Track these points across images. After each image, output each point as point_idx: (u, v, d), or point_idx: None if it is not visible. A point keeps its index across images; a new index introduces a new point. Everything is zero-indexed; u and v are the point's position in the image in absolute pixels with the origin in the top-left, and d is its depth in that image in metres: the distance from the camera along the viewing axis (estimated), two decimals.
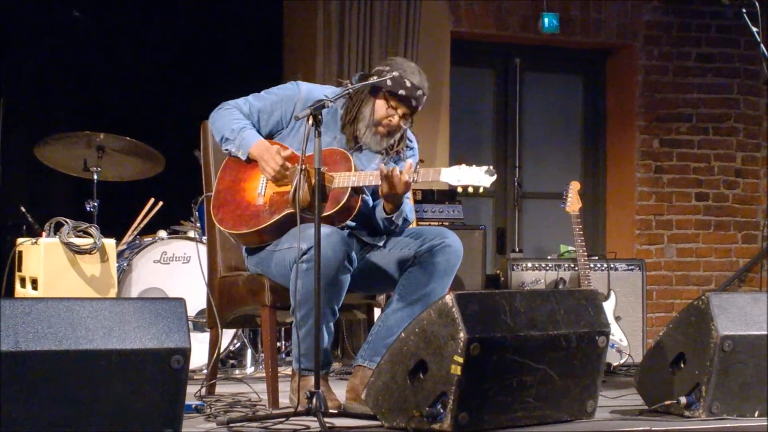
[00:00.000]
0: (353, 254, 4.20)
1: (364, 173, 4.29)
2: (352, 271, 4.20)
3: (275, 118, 4.51)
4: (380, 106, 4.39)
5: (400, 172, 4.17)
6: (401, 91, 4.33)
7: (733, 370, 3.99)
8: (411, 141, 4.61)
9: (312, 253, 3.92)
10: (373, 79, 4.32)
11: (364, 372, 4.24)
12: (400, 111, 4.38)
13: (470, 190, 4.15)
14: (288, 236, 4.31)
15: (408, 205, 4.45)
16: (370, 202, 4.49)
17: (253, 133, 4.46)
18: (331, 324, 4.26)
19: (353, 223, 4.42)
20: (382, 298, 4.74)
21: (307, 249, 4.06)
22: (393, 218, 4.36)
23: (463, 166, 4.17)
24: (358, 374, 4.30)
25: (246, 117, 4.48)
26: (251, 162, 4.44)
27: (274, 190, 4.40)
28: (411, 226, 4.52)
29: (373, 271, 4.38)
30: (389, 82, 4.32)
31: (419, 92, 4.36)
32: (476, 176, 4.14)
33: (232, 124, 4.46)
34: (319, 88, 4.55)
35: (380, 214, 4.39)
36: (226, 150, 4.49)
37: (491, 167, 4.16)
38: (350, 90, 4.27)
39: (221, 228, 4.44)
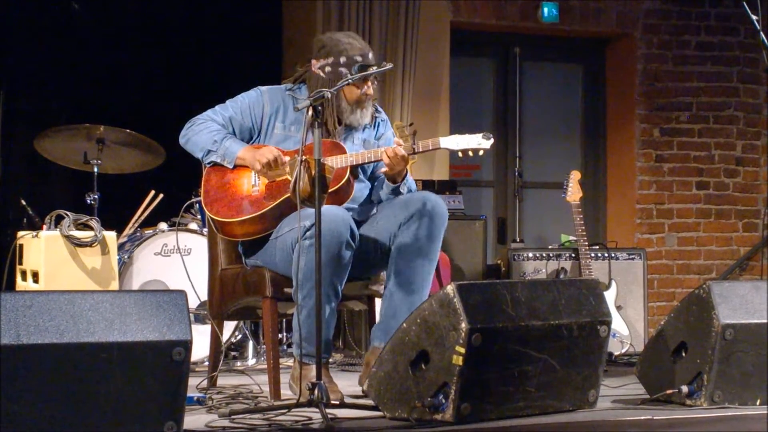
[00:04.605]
0: (356, 231, 4.24)
1: (360, 152, 4.42)
2: (354, 249, 4.23)
3: (247, 126, 4.56)
4: (351, 91, 4.49)
5: (395, 147, 4.32)
6: (360, 68, 4.43)
7: (734, 358, 3.99)
8: (379, 111, 4.73)
9: (315, 229, 3.92)
10: (326, 72, 4.42)
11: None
12: (367, 83, 4.50)
13: (470, 153, 4.38)
14: (288, 220, 4.35)
15: (410, 178, 4.57)
16: (366, 190, 4.58)
17: (237, 141, 4.51)
18: (334, 305, 4.27)
19: (354, 205, 4.48)
20: (382, 288, 4.74)
21: (310, 225, 4.08)
22: (399, 188, 4.45)
23: (458, 135, 4.39)
24: (375, 353, 4.30)
25: (222, 127, 4.51)
26: (236, 166, 4.46)
27: (270, 181, 4.41)
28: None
29: (366, 246, 4.39)
30: (344, 70, 4.42)
31: (369, 55, 4.48)
32: (474, 140, 4.38)
33: (214, 135, 4.49)
34: (277, 88, 4.63)
35: (386, 189, 4.48)
36: (209, 162, 4.50)
37: (487, 132, 4.40)
38: (349, 80, 4.30)
39: (219, 219, 4.42)
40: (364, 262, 4.43)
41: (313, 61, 4.53)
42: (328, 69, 4.46)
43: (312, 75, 4.52)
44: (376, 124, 4.67)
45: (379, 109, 4.73)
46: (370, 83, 4.51)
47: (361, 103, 4.52)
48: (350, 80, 4.30)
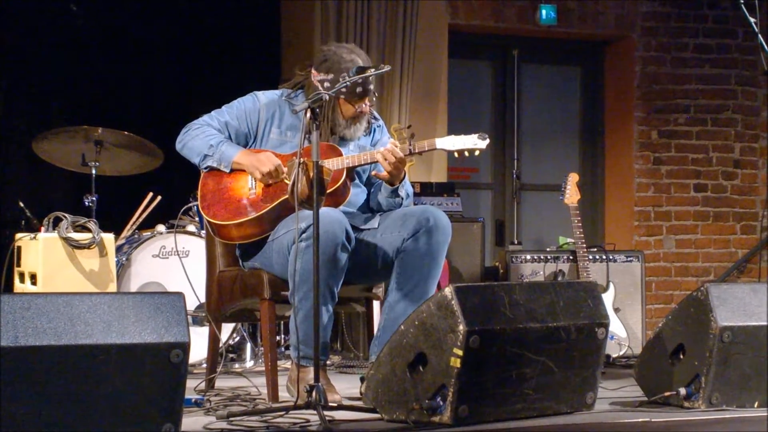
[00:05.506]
0: (352, 234, 4.24)
1: (356, 155, 4.42)
2: (350, 251, 4.22)
3: (243, 131, 4.56)
4: (347, 107, 4.49)
5: (391, 149, 4.33)
6: (358, 89, 4.42)
7: (732, 360, 3.99)
8: (376, 118, 4.73)
9: (311, 231, 3.93)
10: (325, 87, 4.29)
11: None
12: (365, 100, 4.49)
13: (466, 154, 4.43)
14: (285, 222, 4.36)
15: (407, 181, 4.57)
16: (363, 195, 4.60)
17: (233, 145, 4.50)
18: (331, 308, 4.27)
19: (352, 210, 4.48)
20: (381, 291, 4.74)
21: (306, 227, 4.09)
22: (398, 190, 4.46)
23: (454, 136, 4.45)
24: None
25: (218, 132, 4.51)
26: (233, 170, 4.46)
27: (267, 184, 4.41)
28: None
29: (367, 256, 4.40)
30: (344, 89, 4.36)
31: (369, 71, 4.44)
32: (470, 141, 4.44)
33: (210, 140, 4.49)
34: (273, 93, 4.63)
35: (384, 192, 4.49)
36: (206, 167, 4.50)
37: (483, 133, 4.46)
38: (348, 83, 4.29)
39: (216, 222, 4.43)
40: (366, 274, 4.44)
41: (314, 72, 4.52)
42: (327, 85, 4.43)
43: (311, 85, 4.51)
44: (372, 129, 4.67)
45: (377, 116, 4.73)
46: (367, 101, 4.50)
47: (357, 119, 4.52)
48: (348, 82, 4.29)
